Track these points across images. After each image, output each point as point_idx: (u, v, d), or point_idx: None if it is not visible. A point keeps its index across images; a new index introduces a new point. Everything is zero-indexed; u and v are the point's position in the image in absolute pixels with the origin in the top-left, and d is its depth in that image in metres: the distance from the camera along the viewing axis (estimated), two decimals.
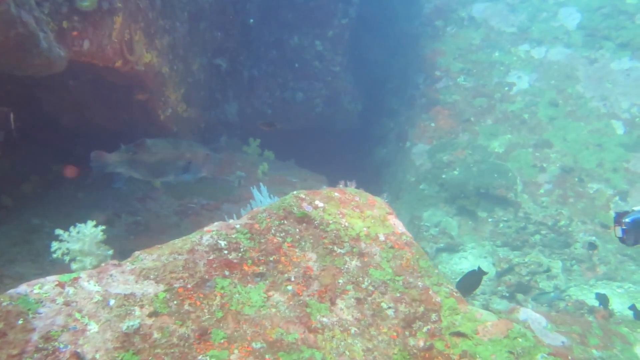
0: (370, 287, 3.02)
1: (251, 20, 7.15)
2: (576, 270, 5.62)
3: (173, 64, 5.29)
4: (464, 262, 6.02)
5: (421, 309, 2.94)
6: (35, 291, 2.44)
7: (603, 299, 4.72)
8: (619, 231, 2.74)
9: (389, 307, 2.93)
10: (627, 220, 2.71)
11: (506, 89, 7.44)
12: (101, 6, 3.93)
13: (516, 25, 8.02)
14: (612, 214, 4.77)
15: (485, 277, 5.72)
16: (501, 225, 6.11)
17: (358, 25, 8.12)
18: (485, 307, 5.29)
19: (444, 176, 6.74)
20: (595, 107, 6.87)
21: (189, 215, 5.06)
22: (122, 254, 4.33)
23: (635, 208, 2.82)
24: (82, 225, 2.82)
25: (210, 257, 2.88)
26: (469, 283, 3.14)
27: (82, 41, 3.85)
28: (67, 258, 2.81)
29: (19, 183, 4.88)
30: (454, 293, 3.04)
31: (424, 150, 7.22)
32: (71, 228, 2.84)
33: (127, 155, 4.39)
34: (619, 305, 5.02)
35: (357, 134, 8.72)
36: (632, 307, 4.48)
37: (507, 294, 5.27)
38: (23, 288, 2.43)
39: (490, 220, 6.24)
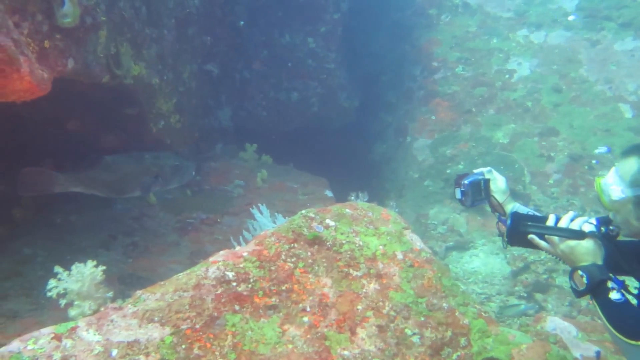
0: (392, 312, 2.83)
1: (241, 23, 6.89)
2: None
3: (163, 74, 5.04)
4: (475, 261, 5.84)
5: (449, 333, 2.74)
6: (29, 347, 2.22)
7: None
8: (458, 193, 2.72)
9: (414, 334, 2.73)
10: (465, 182, 2.69)
11: (507, 76, 7.22)
12: (84, 21, 3.68)
13: (513, 10, 7.78)
14: None
15: (500, 277, 5.55)
16: None
17: (350, 19, 7.87)
18: (503, 308, 5.11)
19: (448, 171, 6.54)
20: (600, 90, 6.67)
21: (189, 232, 4.84)
22: (122, 280, 4.12)
23: (475, 170, 2.83)
24: (82, 265, 2.60)
25: (218, 291, 2.67)
26: None
27: (66, 60, 3.60)
28: (63, 301, 2.58)
29: (10, 207, 4.64)
30: (482, 313, 2.84)
31: (426, 144, 7.01)
32: (72, 267, 2.62)
33: (82, 175, 4.23)
34: None
35: (355, 131, 8.51)
36: None
37: (525, 294, 5.09)
38: (16, 345, 2.21)
39: None
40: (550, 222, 2.38)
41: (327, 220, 3.23)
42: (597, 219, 2.33)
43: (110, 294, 2.60)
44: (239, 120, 7.40)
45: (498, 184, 2.80)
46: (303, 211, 3.26)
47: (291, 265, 2.92)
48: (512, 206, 2.76)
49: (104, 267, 2.66)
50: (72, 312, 2.52)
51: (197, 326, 2.50)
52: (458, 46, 7.70)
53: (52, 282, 2.56)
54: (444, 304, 2.86)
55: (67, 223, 4.55)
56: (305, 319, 2.70)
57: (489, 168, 2.87)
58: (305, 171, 6.71)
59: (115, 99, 4.58)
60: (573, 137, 6.36)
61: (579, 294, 2.19)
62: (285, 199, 5.62)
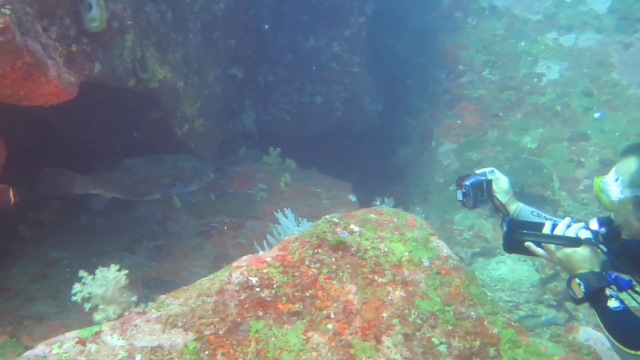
0: (418, 320, 2.76)
1: (266, 26, 6.89)
2: None
3: (187, 78, 5.06)
4: (502, 267, 5.72)
5: (477, 343, 2.67)
6: (54, 351, 2.21)
7: None
8: (459, 194, 2.68)
9: (441, 343, 2.66)
10: (466, 183, 2.65)
11: (535, 80, 7.08)
12: (111, 25, 3.70)
13: (542, 13, 7.63)
14: None
15: (528, 284, 5.42)
16: None
17: (375, 23, 7.81)
18: (531, 316, 4.99)
19: None
20: (633, 94, 6.49)
21: (212, 236, 4.83)
22: (146, 284, 4.13)
23: (477, 171, 2.78)
24: (105, 269, 2.59)
25: (242, 297, 2.64)
26: None
27: (93, 64, 3.63)
28: (87, 305, 2.58)
29: (38, 210, 4.69)
30: (512, 323, 2.76)
31: (451, 149, 6.89)
32: (97, 271, 2.62)
33: (102, 178, 4.25)
34: None
35: (379, 135, 8.43)
36: None
37: (555, 303, 4.95)
38: (41, 349, 2.21)
39: None
40: (546, 229, 2.33)
41: (352, 226, 3.18)
42: (599, 220, 2.28)
43: (134, 298, 2.59)
44: (263, 124, 7.40)
45: (500, 184, 2.74)
46: (327, 216, 3.21)
47: (315, 271, 2.88)
48: (515, 207, 2.72)
49: (127, 271, 2.64)
50: (97, 317, 2.52)
51: (221, 332, 2.47)
52: (485, 49, 7.58)
53: (76, 287, 2.56)
54: (472, 313, 2.78)
55: (92, 226, 4.58)
56: (330, 326, 2.65)
57: (491, 168, 2.81)
58: (328, 175, 6.66)
59: (141, 103, 4.60)
60: (604, 142, 6.19)
61: (577, 302, 2.16)
62: (309, 203, 5.59)
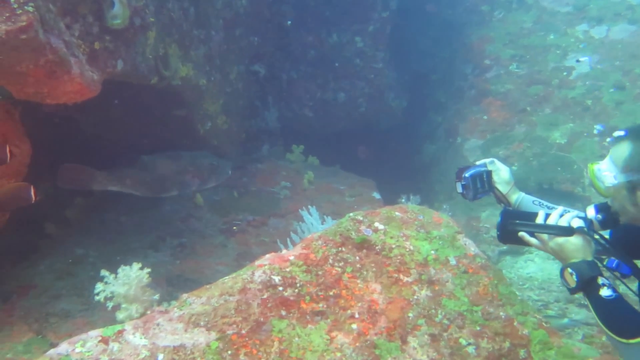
0: (445, 321, 2.68)
1: (289, 22, 6.84)
2: None
3: (210, 75, 5.04)
4: (530, 266, 5.58)
5: (507, 344, 2.58)
6: (77, 350, 2.20)
7: None
8: (459, 187, 2.64)
9: (469, 344, 2.58)
10: (465, 175, 2.61)
11: (564, 74, 6.88)
12: (133, 23, 3.70)
13: (571, 4, 7.42)
14: None
15: (557, 283, 5.27)
16: None
17: (399, 17, 7.70)
18: (562, 316, 4.85)
19: None
20: None
21: (235, 234, 4.81)
22: (169, 281, 4.12)
23: (477, 162, 2.72)
24: (128, 268, 2.58)
25: (265, 296, 2.60)
26: None
27: (116, 61, 3.63)
28: (110, 304, 2.57)
29: (64, 208, 4.73)
30: (544, 323, 2.66)
31: (477, 145, 6.75)
32: (119, 270, 2.61)
33: (120, 174, 4.24)
34: None
35: (403, 132, 8.31)
36: None
37: (586, 302, 4.79)
38: (64, 347, 2.21)
39: None
40: (539, 219, 2.29)
41: (376, 224, 3.11)
42: (596, 206, 2.27)
43: (157, 296, 2.56)
44: (286, 121, 7.36)
45: (501, 174, 2.70)
46: (351, 214, 3.15)
47: (339, 269, 2.82)
48: (516, 197, 2.67)
49: (149, 270, 2.62)
50: (120, 316, 2.50)
51: (243, 331, 2.44)
52: (512, 43, 7.40)
53: (99, 286, 2.55)
54: (501, 313, 2.69)
55: (117, 224, 4.60)
56: (354, 325, 2.59)
57: (491, 159, 2.76)
58: (352, 173, 6.59)
59: (164, 101, 4.60)
60: None
61: (570, 291, 2.13)
62: (332, 200, 5.53)
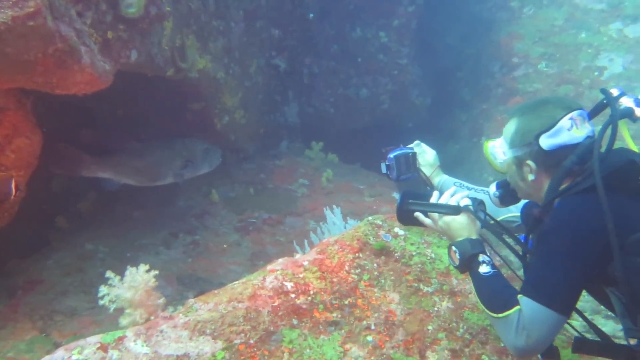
0: (467, 335, 2.51)
1: (311, 15, 6.66)
2: None
3: (228, 68, 4.91)
4: None
5: None
6: (74, 357, 2.09)
7: None
8: (383, 167, 2.65)
9: None
10: (390, 155, 2.64)
11: (596, 73, 6.59)
12: (149, 12, 3.56)
13: (605, 2, 7.10)
14: None
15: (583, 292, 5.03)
16: None
17: (425, 12, 7.47)
18: (587, 330, 4.61)
19: None
20: None
21: (250, 232, 4.67)
22: (180, 280, 4.01)
23: (402, 145, 2.75)
24: (134, 269, 2.45)
25: (275, 303, 2.45)
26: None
27: (130, 52, 3.50)
28: (113, 306, 2.44)
29: (76, 201, 4.64)
30: (572, 340, 2.47)
31: None
32: (126, 272, 2.48)
33: (111, 160, 4.07)
34: None
35: (426, 130, 8.08)
36: None
37: (614, 314, 4.56)
38: (60, 354, 2.09)
39: None
40: (433, 198, 2.31)
41: (396, 229, 2.95)
42: (497, 183, 2.35)
43: (162, 300, 2.43)
44: (306, 117, 7.19)
45: (426, 157, 2.75)
46: (370, 217, 2.99)
47: (355, 277, 2.66)
48: (439, 179, 2.71)
49: (157, 272, 2.49)
50: (124, 321, 2.38)
51: (252, 341, 2.29)
52: (542, 41, 7.12)
53: (103, 290, 2.42)
54: None
55: (129, 219, 4.49)
56: (370, 338, 2.44)
57: (417, 141, 2.80)
58: (373, 171, 6.40)
59: (180, 94, 4.47)
60: None
61: (456, 270, 2.19)
62: (351, 200, 5.35)
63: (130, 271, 2.47)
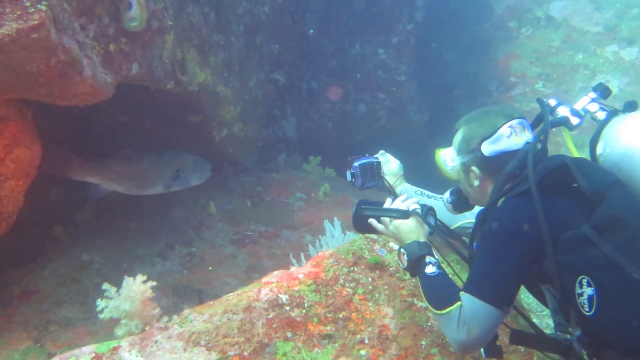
0: None
1: (311, 31, 6.74)
2: None
3: (228, 82, 4.95)
4: None
5: None
6: None
7: None
8: (348, 175, 2.79)
9: None
10: (355, 164, 2.77)
11: None
12: (150, 25, 3.61)
13: (602, 24, 7.20)
14: None
15: None
16: None
17: (424, 30, 7.56)
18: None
19: None
20: None
21: (247, 245, 4.69)
22: (176, 292, 4.00)
23: (368, 155, 2.89)
24: (131, 279, 2.47)
25: (270, 316, 2.47)
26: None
27: (131, 64, 3.54)
28: (108, 315, 2.45)
29: (74, 211, 4.65)
30: None
31: None
32: (123, 283, 2.49)
33: (100, 165, 4.06)
34: None
35: (424, 146, 8.12)
36: None
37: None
38: None
39: None
40: (386, 204, 2.41)
41: (391, 243, 2.97)
42: (451, 191, 2.46)
43: (157, 310, 2.44)
44: (304, 131, 7.24)
45: (390, 166, 2.92)
46: None
47: (350, 290, 2.68)
48: (402, 187, 2.86)
49: (154, 283, 2.51)
50: (119, 332, 2.39)
51: (246, 353, 2.31)
52: (539, 61, 7.22)
53: (100, 303, 2.44)
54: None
55: (126, 229, 4.50)
56: (363, 352, 2.45)
57: (382, 151, 2.97)
58: None
59: (180, 106, 4.51)
60: None
61: (405, 272, 2.28)
62: (347, 214, 5.35)
63: (127, 282, 2.48)
